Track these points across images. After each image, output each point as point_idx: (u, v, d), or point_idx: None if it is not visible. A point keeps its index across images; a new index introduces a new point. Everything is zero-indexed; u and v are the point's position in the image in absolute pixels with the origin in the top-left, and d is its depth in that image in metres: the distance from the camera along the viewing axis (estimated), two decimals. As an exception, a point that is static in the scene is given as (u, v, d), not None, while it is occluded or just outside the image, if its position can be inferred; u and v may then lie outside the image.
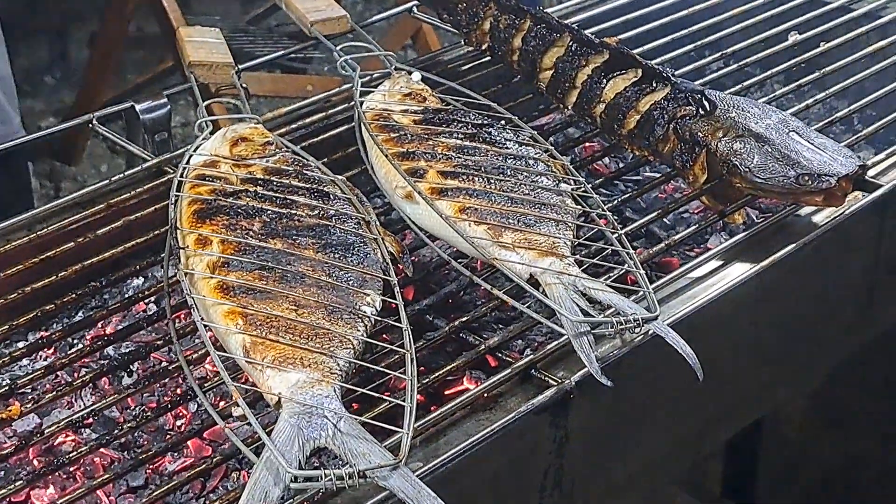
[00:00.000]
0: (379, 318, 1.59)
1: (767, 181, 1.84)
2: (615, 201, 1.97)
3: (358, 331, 1.55)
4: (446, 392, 1.72)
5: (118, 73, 5.88)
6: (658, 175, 2.09)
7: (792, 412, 2.96)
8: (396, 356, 1.57)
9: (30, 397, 1.72)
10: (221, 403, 1.62)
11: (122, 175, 2.02)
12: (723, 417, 1.94)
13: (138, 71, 5.86)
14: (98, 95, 5.49)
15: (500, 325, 1.84)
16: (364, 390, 1.48)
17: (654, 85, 2.00)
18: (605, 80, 2.05)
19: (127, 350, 1.84)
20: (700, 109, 1.94)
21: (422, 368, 1.55)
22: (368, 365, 1.54)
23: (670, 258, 2.04)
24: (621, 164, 2.25)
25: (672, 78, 2.01)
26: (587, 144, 2.29)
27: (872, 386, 2.96)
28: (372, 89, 2.09)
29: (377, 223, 1.77)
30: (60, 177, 5.54)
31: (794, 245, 1.85)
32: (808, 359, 2.05)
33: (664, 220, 2.11)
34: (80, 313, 1.95)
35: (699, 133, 1.91)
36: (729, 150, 1.88)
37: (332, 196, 1.80)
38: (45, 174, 5.60)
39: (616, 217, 1.87)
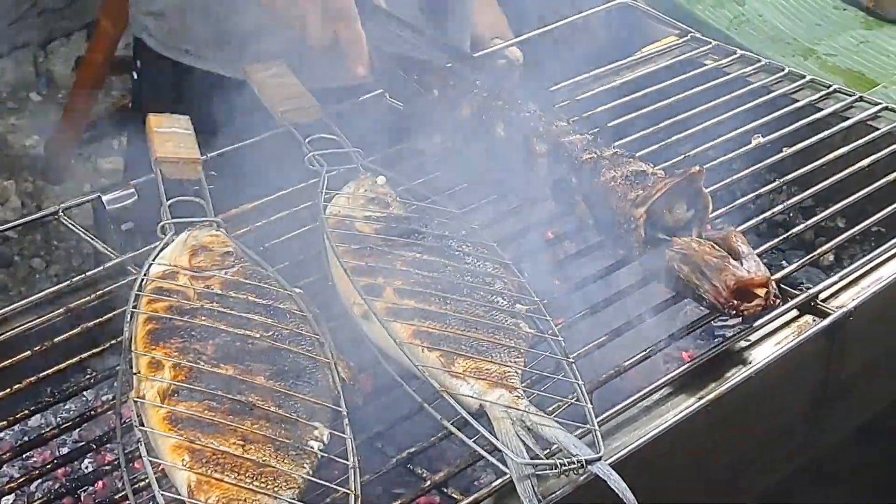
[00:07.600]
0: (326, 455, 1.61)
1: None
2: (570, 319, 1.99)
3: (303, 468, 1.58)
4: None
5: (105, 92, 5.90)
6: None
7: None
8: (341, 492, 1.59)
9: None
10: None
11: (83, 276, 2.04)
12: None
13: (126, 88, 5.86)
14: (84, 116, 5.52)
15: (455, 447, 1.86)
16: (305, 536, 1.51)
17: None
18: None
19: (78, 473, 1.85)
20: None
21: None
22: (311, 506, 1.55)
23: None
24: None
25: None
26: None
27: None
28: (336, 191, 2.11)
29: (331, 345, 1.79)
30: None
31: (740, 378, 1.87)
32: (750, 482, 2.08)
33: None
34: (34, 419, 1.97)
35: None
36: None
37: (288, 314, 1.82)
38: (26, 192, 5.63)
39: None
